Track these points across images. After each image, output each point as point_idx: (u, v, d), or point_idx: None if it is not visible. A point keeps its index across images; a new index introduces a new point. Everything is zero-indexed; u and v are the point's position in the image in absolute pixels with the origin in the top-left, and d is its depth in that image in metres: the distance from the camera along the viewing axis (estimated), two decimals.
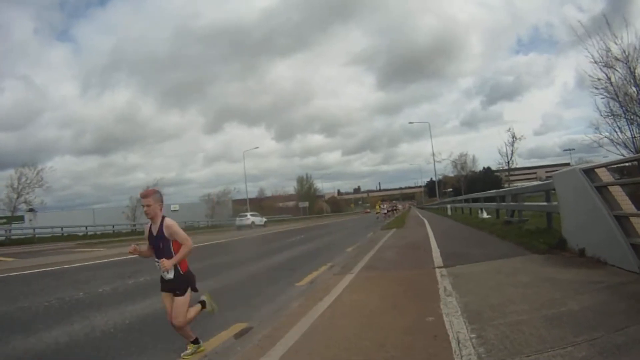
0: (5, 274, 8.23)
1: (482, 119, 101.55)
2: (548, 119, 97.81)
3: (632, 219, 4.11)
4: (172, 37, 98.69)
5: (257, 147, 60.83)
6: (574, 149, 33.60)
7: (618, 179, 7.93)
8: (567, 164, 32.63)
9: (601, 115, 10.14)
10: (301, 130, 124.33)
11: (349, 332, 3.31)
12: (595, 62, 10.12)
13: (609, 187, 4.37)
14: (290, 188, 69.37)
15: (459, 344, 2.69)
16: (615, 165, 5.56)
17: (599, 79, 10.11)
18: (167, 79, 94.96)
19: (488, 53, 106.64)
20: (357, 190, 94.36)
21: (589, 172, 4.63)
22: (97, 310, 4.90)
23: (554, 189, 6.21)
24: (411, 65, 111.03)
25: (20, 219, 29.36)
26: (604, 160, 5.67)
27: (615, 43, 9.83)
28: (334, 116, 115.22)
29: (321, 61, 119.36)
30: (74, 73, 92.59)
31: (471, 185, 47.43)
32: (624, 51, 9.65)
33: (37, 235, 23.64)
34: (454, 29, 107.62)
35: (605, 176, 4.52)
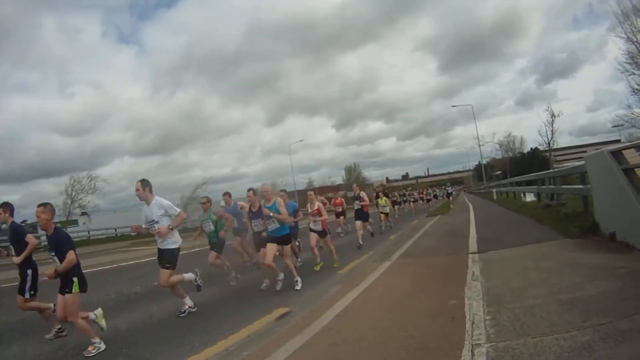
0: None
1: (536, 97, 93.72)
2: (600, 95, 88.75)
3: None
4: (239, 33, 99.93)
5: (302, 140, 61.03)
6: (622, 125, 30.56)
7: None
8: (618, 141, 30.39)
9: (633, 93, 9.55)
10: (362, 118, 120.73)
11: (376, 314, 3.70)
12: (627, 37, 9.54)
13: (635, 169, 4.30)
14: (339, 178, 68.82)
15: (472, 325, 2.96)
16: None
17: (629, 52, 9.52)
18: (233, 75, 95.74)
19: (544, 32, 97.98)
20: (405, 177, 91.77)
21: (616, 154, 4.55)
22: (154, 301, 5.51)
23: (587, 171, 6.08)
24: (472, 48, 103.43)
25: (75, 222, 31.69)
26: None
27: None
28: (395, 102, 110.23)
29: (387, 49, 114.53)
30: (138, 75, 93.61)
31: (519, 168, 45.21)
32: None
33: (91, 237, 25.18)
34: (517, 9, 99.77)
35: (632, 158, 4.42)
